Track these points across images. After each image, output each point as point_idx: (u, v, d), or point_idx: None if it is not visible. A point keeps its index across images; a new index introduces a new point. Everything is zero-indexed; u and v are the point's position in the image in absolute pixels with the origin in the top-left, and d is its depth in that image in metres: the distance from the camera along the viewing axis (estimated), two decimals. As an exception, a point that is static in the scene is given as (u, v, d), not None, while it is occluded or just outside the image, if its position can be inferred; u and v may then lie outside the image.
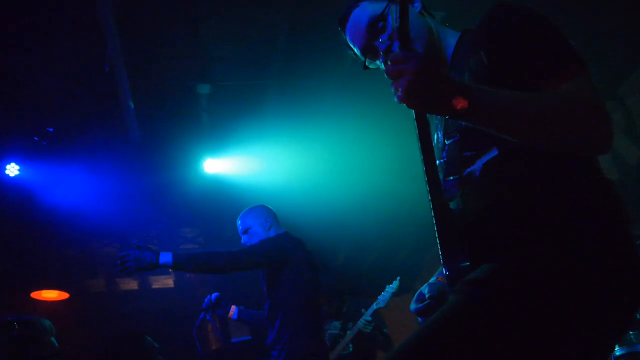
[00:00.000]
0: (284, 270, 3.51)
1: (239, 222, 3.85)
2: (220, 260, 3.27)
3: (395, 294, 4.78)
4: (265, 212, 3.86)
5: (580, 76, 1.25)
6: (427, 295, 1.50)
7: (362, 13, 1.58)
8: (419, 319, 1.50)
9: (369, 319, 4.72)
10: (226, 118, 5.18)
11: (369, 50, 1.59)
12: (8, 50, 4.21)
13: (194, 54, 4.54)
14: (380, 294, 4.84)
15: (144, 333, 2.75)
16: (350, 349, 4.81)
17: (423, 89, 1.15)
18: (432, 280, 1.56)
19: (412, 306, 1.52)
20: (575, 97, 1.22)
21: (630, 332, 3.04)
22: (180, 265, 3.21)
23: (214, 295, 3.75)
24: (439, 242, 1.32)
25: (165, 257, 3.19)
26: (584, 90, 1.23)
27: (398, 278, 4.86)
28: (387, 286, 4.81)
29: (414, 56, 1.16)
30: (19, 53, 4.25)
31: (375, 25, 1.55)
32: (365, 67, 1.62)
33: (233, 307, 3.85)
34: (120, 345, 2.61)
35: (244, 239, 3.79)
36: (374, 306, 4.76)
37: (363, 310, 4.82)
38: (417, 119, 1.30)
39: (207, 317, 3.68)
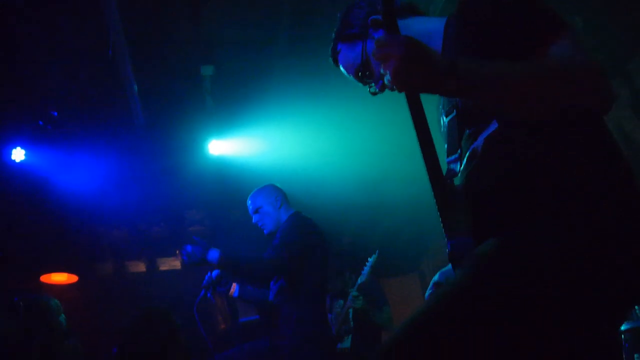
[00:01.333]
0: (301, 257, 3.52)
1: (249, 202, 3.84)
2: (260, 272, 3.33)
3: (373, 267, 4.81)
4: (275, 191, 3.84)
5: (568, 38, 1.24)
6: (432, 282, 1.51)
7: (346, 62, 1.67)
8: None
9: (355, 293, 4.77)
10: (230, 99, 5.17)
11: (368, 85, 1.66)
12: (11, 35, 4.20)
13: (197, 36, 4.52)
14: (378, 270, 4.89)
15: (169, 310, 2.74)
16: (352, 325, 4.86)
17: (411, 70, 1.15)
18: (444, 269, 1.57)
19: (427, 293, 1.54)
20: (566, 60, 1.21)
21: (636, 307, 3.05)
22: (223, 266, 3.27)
23: (214, 272, 3.64)
24: (442, 220, 1.31)
25: (213, 255, 3.23)
26: (574, 51, 1.22)
27: (377, 252, 4.90)
28: (368, 259, 4.86)
29: (399, 38, 1.16)
30: (22, 37, 4.24)
31: (363, 73, 1.61)
32: (374, 94, 1.66)
33: (234, 285, 3.78)
34: (148, 322, 2.59)
35: (255, 218, 3.78)
36: (358, 281, 4.82)
37: (350, 289, 4.86)
38: (408, 100, 1.29)
39: (208, 295, 3.64)
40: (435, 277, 1.54)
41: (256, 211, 3.78)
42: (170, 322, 2.63)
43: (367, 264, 4.84)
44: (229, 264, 3.25)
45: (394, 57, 1.15)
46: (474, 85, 1.17)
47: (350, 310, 4.86)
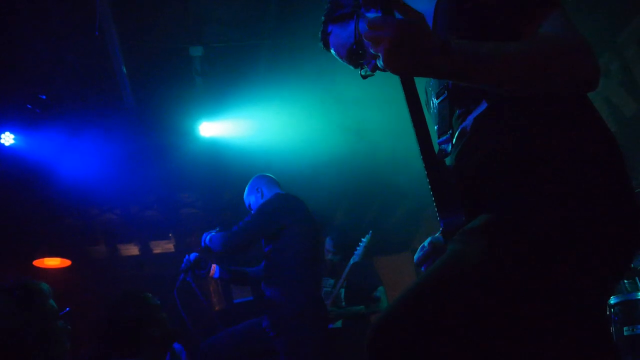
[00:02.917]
0: (281, 231, 3.55)
1: (245, 202, 3.92)
2: (222, 244, 3.55)
3: (367, 247, 4.82)
4: (256, 182, 3.87)
5: (557, 15, 1.25)
6: (426, 243, 1.52)
7: (337, 42, 1.65)
8: (422, 268, 1.53)
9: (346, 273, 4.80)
10: (220, 80, 5.13)
11: (360, 67, 1.65)
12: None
13: (185, 16, 4.46)
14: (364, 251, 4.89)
15: (143, 292, 2.75)
16: (344, 304, 4.89)
17: (403, 53, 1.13)
18: (436, 235, 1.58)
19: (416, 256, 1.55)
20: (556, 38, 1.21)
21: (625, 281, 3.10)
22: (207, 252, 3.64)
23: (192, 255, 3.64)
24: (434, 199, 1.33)
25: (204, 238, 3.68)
26: (563, 29, 1.23)
27: (370, 232, 4.89)
28: (362, 239, 4.86)
29: (392, 21, 1.15)
30: (7, 19, 4.18)
31: (356, 52, 1.60)
32: (365, 77, 1.66)
33: (214, 267, 3.73)
34: (124, 309, 2.62)
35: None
36: (351, 261, 4.81)
37: (341, 269, 4.89)
38: (402, 82, 1.29)
39: (187, 279, 3.61)
40: (427, 241, 1.57)
41: (249, 209, 3.86)
42: (149, 302, 2.65)
43: (361, 244, 4.83)
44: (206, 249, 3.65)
45: (385, 40, 1.13)
46: (466, 67, 1.16)
47: (342, 290, 4.87)
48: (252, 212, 3.78)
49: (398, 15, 1.20)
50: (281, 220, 3.54)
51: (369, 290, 4.93)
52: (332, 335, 4.62)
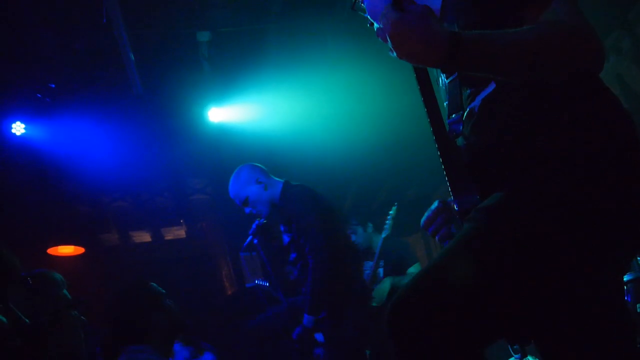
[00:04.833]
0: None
1: (232, 197, 3.69)
2: (323, 270, 3.33)
3: (395, 219, 4.89)
4: (252, 173, 3.66)
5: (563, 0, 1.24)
6: (434, 206, 1.53)
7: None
8: (429, 230, 1.53)
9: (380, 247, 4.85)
10: (228, 65, 5.12)
11: None
12: (3, 8, 4.14)
13: (191, 1, 4.45)
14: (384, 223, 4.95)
15: (147, 281, 2.78)
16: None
17: (415, 48, 1.16)
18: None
19: (422, 220, 1.55)
20: (563, 21, 1.21)
21: (638, 258, 3.09)
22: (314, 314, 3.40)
23: (261, 220, 3.62)
24: (448, 179, 1.34)
25: (308, 319, 3.40)
26: (569, 14, 1.22)
27: (396, 204, 4.97)
28: (389, 212, 4.92)
29: (403, 16, 1.16)
30: (14, 8, 4.18)
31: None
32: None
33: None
34: (128, 298, 2.64)
35: (247, 210, 3.68)
36: (383, 235, 4.87)
37: (375, 247, 4.93)
38: (414, 66, 1.32)
39: (255, 241, 3.60)
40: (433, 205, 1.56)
41: (245, 204, 3.65)
42: (152, 291, 2.67)
43: (389, 217, 4.90)
44: (314, 310, 3.38)
45: (394, 35, 1.16)
46: (476, 58, 1.19)
47: (381, 270, 4.91)
48: (249, 207, 3.65)
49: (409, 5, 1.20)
50: (320, 210, 3.48)
51: (405, 269, 4.95)
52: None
